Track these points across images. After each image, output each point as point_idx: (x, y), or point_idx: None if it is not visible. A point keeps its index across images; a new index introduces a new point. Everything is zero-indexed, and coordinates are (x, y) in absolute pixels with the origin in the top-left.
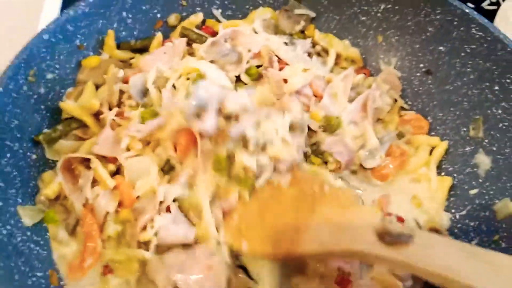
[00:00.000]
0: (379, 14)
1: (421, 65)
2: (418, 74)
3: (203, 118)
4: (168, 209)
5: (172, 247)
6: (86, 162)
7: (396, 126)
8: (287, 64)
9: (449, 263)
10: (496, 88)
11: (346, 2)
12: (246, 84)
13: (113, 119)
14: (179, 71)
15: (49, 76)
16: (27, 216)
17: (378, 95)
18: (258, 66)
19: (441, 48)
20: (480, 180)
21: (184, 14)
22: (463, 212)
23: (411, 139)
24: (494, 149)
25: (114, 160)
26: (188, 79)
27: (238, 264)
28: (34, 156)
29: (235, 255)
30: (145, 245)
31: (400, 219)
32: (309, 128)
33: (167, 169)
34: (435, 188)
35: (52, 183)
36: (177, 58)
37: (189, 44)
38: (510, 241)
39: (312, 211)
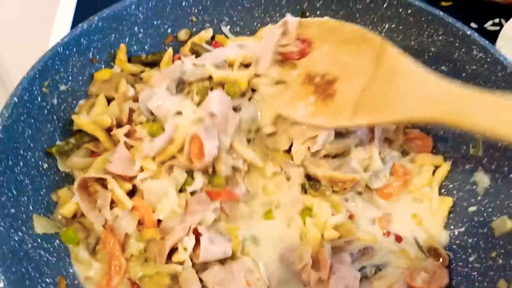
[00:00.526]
0: (383, 34)
1: None
2: None
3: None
4: (195, 231)
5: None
6: (101, 180)
7: (401, 144)
8: None
9: None
10: None
11: (351, 21)
12: None
13: (125, 141)
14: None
15: (62, 87)
16: (41, 225)
17: None
18: None
19: (443, 67)
20: (479, 198)
21: (194, 30)
22: (462, 229)
23: (415, 158)
24: (493, 167)
25: (129, 178)
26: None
27: None
28: (45, 165)
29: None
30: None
31: (399, 239)
32: None
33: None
34: (436, 208)
35: (69, 203)
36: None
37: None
38: (507, 258)
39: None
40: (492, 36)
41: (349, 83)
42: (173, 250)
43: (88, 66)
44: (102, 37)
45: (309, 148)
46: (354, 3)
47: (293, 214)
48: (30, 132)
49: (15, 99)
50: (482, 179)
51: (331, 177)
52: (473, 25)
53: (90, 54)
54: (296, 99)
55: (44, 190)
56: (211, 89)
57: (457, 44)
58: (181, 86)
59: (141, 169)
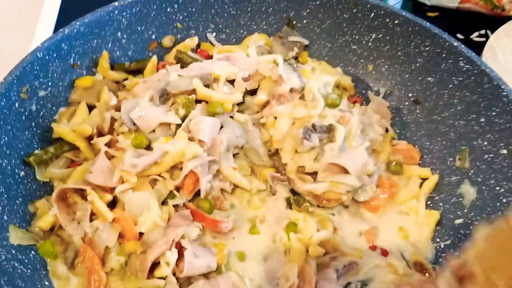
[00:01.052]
0: (370, 44)
1: (410, 95)
2: (406, 103)
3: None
4: (177, 245)
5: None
6: (80, 190)
7: (388, 156)
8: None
9: None
10: (482, 120)
11: (338, 30)
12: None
13: (106, 151)
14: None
15: (42, 93)
16: (17, 237)
17: (369, 127)
18: (252, 91)
19: (429, 78)
20: (465, 210)
21: (179, 36)
22: (448, 242)
23: (402, 170)
24: (479, 180)
25: (110, 189)
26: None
27: None
28: (22, 173)
29: None
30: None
31: (385, 253)
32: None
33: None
34: (423, 221)
35: (46, 215)
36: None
37: (183, 67)
38: None
39: None
40: (478, 47)
41: None
42: (155, 264)
43: (69, 72)
44: (84, 43)
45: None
46: (341, 13)
47: (278, 229)
48: (6, 139)
49: None
50: (468, 191)
51: (316, 194)
52: (459, 36)
53: (71, 59)
54: None
55: (20, 199)
56: (197, 102)
57: (443, 55)
58: (165, 96)
59: (121, 180)
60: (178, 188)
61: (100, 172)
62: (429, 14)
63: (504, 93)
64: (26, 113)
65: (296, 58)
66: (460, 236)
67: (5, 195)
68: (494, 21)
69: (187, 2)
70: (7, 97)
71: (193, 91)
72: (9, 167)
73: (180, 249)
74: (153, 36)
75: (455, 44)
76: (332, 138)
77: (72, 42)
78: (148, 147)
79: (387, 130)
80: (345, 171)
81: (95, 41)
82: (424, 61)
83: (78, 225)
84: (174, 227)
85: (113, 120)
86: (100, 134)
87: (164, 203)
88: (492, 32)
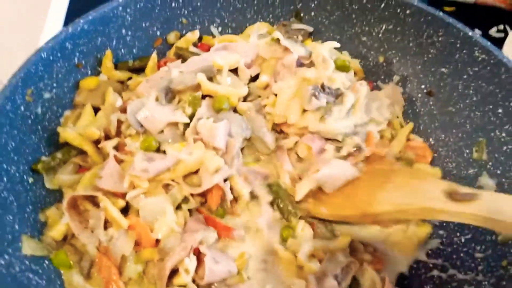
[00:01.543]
0: (380, 35)
1: (423, 86)
2: (419, 95)
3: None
4: (196, 251)
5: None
6: (91, 197)
7: (400, 149)
8: None
9: None
10: (500, 111)
11: (348, 22)
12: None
13: (115, 155)
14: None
15: (47, 95)
16: (30, 247)
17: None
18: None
19: (443, 69)
20: None
21: (184, 32)
22: (468, 236)
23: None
24: (499, 172)
25: (122, 194)
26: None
27: None
28: (30, 180)
29: None
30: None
31: None
32: None
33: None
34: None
35: (58, 224)
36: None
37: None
38: None
39: (386, 181)
40: (497, 43)
41: None
42: (174, 271)
43: (73, 72)
44: (88, 41)
45: None
46: (350, 4)
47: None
48: (13, 144)
49: None
50: (487, 184)
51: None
52: (477, 31)
53: (76, 59)
54: None
55: (30, 207)
56: (203, 97)
57: (458, 45)
58: (169, 95)
59: (133, 185)
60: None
61: (110, 177)
62: (446, 8)
63: None
64: (32, 117)
65: None
66: (481, 230)
67: (15, 203)
68: None
69: None
70: (12, 101)
71: (198, 86)
72: (17, 174)
73: (198, 255)
74: (158, 33)
75: (470, 34)
76: (340, 103)
77: (76, 41)
78: (158, 150)
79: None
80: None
81: (99, 39)
82: (437, 51)
83: (92, 233)
84: (190, 233)
85: (119, 122)
86: (107, 137)
87: (178, 208)
88: (511, 27)
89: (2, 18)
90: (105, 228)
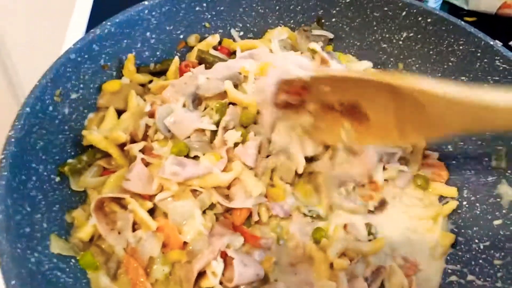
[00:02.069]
0: (400, 42)
1: None
2: None
3: None
4: (223, 254)
5: None
6: (118, 199)
7: (418, 168)
8: None
9: None
10: None
11: (368, 28)
12: None
13: (142, 158)
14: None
15: (74, 96)
16: (57, 246)
17: None
18: None
19: (463, 78)
20: (504, 211)
21: (206, 35)
22: (487, 243)
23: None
24: None
25: (149, 196)
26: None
27: None
28: (57, 179)
29: None
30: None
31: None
32: None
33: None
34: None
35: (86, 226)
36: None
37: (207, 68)
38: None
39: None
40: None
41: (375, 106)
42: (201, 274)
43: (99, 73)
44: (114, 43)
45: None
46: (371, 11)
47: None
48: (42, 143)
49: (27, 109)
50: (507, 192)
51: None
52: (497, 42)
53: (102, 60)
54: (333, 126)
55: (57, 206)
56: (229, 104)
57: (478, 54)
58: (197, 101)
59: (160, 187)
60: None
61: (138, 179)
62: (467, 18)
63: None
64: (60, 117)
65: None
66: (499, 237)
67: (43, 202)
68: None
69: (216, 1)
70: (42, 101)
71: (224, 93)
72: (45, 173)
73: (225, 258)
74: (181, 36)
75: (491, 43)
76: None
77: (102, 43)
78: (187, 155)
79: None
80: None
81: (125, 41)
82: (458, 60)
83: (119, 235)
84: (218, 236)
85: (146, 126)
86: (132, 140)
87: (204, 212)
88: None
89: (25, 22)
90: (133, 230)
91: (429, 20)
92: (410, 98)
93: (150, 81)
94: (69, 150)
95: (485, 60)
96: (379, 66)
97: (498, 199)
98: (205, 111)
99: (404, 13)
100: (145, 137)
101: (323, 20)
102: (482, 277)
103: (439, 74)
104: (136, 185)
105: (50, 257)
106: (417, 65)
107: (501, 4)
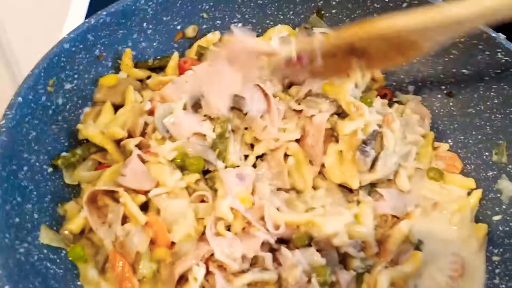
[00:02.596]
0: None
1: (443, 87)
2: (439, 96)
3: None
4: (207, 260)
5: None
6: (111, 192)
7: (430, 161)
8: None
9: None
10: None
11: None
12: None
13: (139, 154)
14: None
15: (68, 86)
16: (47, 237)
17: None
18: None
19: (464, 71)
20: (504, 206)
21: (204, 26)
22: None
23: (444, 178)
24: None
25: (144, 192)
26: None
27: None
28: (50, 169)
29: None
30: None
31: None
32: None
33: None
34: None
35: (77, 218)
36: None
37: None
38: None
39: None
40: None
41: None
42: (184, 278)
43: (94, 63)
44: (110, 33)
45: None
46: (372, 2)
47: None
48: (34, 134)
49: (20, 98)
50: (507, 187)
51: None
52: (500, 34)
53: (97, 51)
54: (342, 61)
55: (49, 197)
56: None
57: (480, 47)
58: (197, 105)
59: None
60: None
61: (133, 175)
62: None
63: None
64: (53, 107)
65: None
66: (499, 232)
67: (35, 192)
68: None
69: None
70: (34, 91)
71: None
72: (37, 164)
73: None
74: (179, 27)
75: (494, 35)
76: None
77: (98, 33)
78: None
79: None
80: None
81: (121, 32)
82: (459, 52)
83: (109, 228)
84: (207, 242)
85: (144, 123)
86: (130, 136)
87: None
88: None
89: (25, 10)
90: (123, 223)
91: None
92: (395, 36)
93: (148, 77)
94: (62, 141)
95: (487, 53)
96: None
97: (498, 194)
98: (205, 116)
99: (405, 4)
100: (142, 134)
101: (323, 12)
102: None
103: (440, 67)
104: (131, 181)
105: (40, 248)
106: (417, 58)
107: None
